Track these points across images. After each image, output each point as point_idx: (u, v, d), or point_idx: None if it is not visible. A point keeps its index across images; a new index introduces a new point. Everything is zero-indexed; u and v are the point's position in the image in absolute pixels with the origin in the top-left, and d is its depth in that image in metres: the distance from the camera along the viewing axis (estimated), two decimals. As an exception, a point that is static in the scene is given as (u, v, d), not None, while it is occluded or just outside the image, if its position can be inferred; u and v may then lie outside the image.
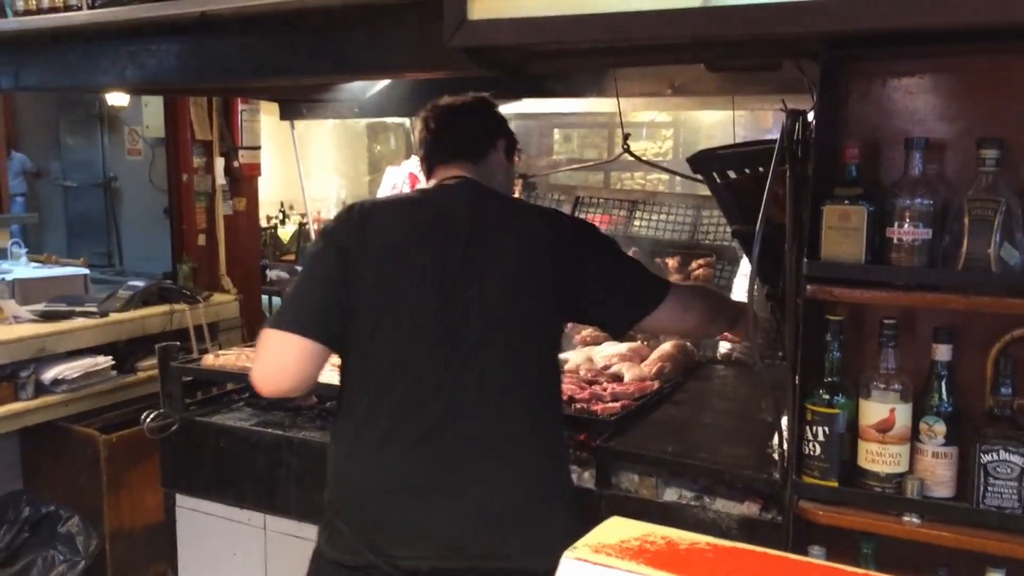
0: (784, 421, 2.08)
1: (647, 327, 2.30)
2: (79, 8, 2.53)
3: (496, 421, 1.97)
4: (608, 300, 2.11)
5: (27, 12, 2.70)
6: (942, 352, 1.88)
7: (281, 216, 9.17)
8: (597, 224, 3.74)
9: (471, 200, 2.09)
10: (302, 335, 1.94)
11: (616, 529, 0.85)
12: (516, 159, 2.37)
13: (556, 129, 7.22)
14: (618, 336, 2.86)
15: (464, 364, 1.95)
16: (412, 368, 1.95)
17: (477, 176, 2.17)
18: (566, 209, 3.85)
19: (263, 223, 8.21)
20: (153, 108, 8.42)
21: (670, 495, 2.36)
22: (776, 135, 2.00)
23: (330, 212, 9.49)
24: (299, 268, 7.43)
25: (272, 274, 6.97)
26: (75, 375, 3.84)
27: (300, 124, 4.63)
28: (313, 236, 5.87)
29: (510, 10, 1.86)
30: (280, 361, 1.97)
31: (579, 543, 0.84)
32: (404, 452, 1.96)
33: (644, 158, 3.80)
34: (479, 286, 1.96)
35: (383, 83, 3.82)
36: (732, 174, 2.40)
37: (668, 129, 7.87)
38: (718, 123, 4.91)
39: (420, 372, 1.95)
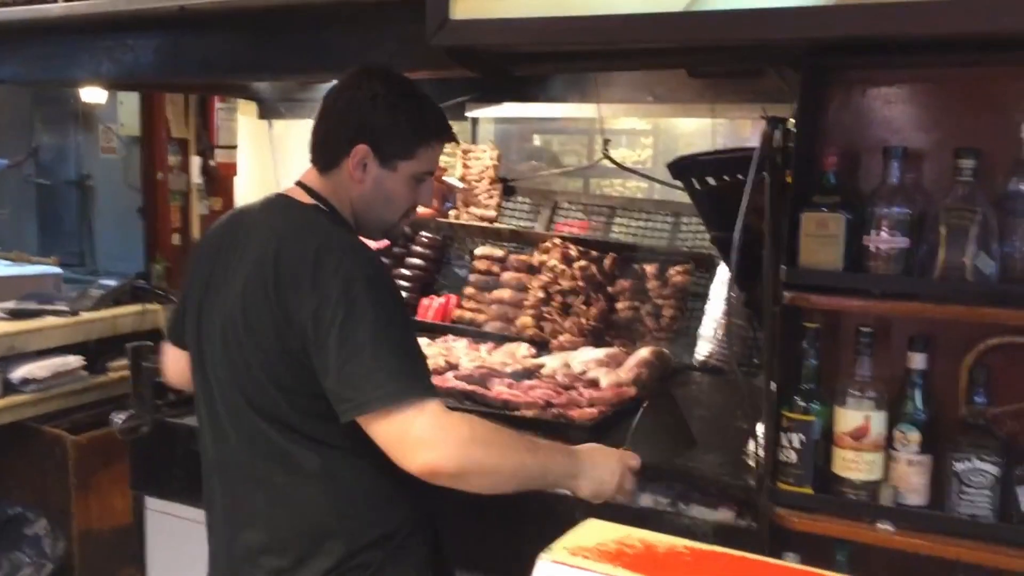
0: (760, 428, 2.08)
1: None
2: (55, 0, 2.50)
3: None
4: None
5: (1, 4, 2.66)
6: (917, 360, 1.89)
7: (257, 218, 9.12)
8: (575, 230, 3.75)
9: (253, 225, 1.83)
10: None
11: (593, 532, 0.84)
12: (414, 174, 1.84)
13: (536, 135, 7.21)
14: None
15: None
16: None
17: (323, 191, 1.84)
18: (544, 214, 3.85)
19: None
20: (129, 106, 8.33)
21: (645, 501, 2.35)
22: (755, 144, 2.00)
23: (307, 214, 9.43)
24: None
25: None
26: (45, 375, 3.77)
27: (278, 125, 4.60)
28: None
29: (492, 11, 1.85)
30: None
31: (555, 544, 0.82)
32: None
33: (621, 166, 3.80)
34: None
35: (363, 84, 3.80)
36: (711, 181, 2.41)
37: (647, 137, 7.89)
38: (697, 132, 4.93)
39: None
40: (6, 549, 3.61)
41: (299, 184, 1.86)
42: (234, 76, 2.79)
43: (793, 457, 1.96)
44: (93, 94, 6.03)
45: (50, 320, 3.92)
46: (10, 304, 3.96)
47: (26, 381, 3.71)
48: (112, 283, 4.38)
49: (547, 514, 2.38)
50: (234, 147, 5.26)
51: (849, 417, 1.91)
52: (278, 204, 1.84)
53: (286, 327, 1.66)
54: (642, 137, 7.85)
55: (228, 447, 1.87)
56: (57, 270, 4.86)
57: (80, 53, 2.72)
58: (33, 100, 10.64)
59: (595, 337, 3.31)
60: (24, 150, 10.74)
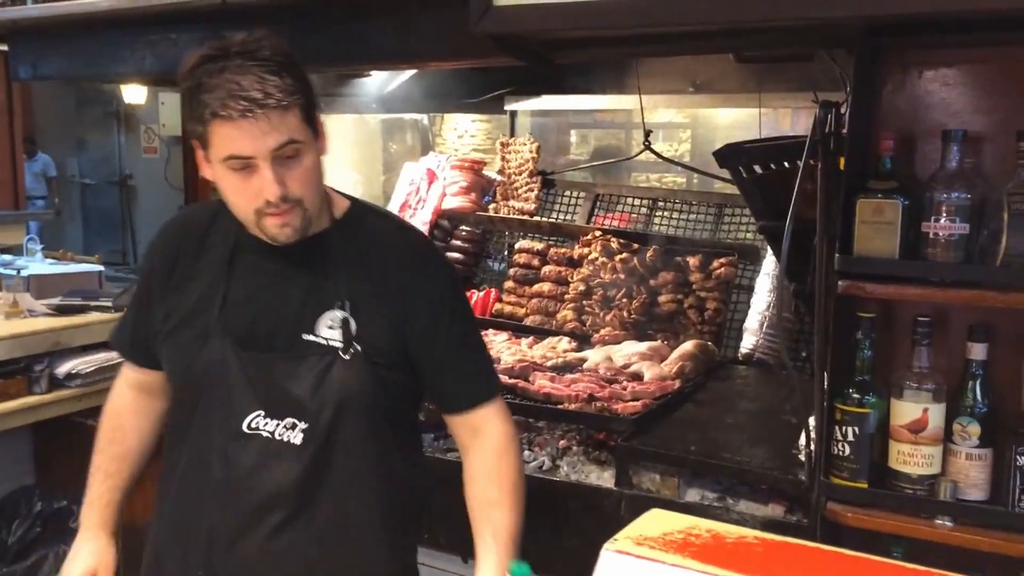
0: (811, 421, 2.03)
1: None
2: (99, -5, 2.51)
3: None
4: None
5: (46, -1, 2.68)
6: (977, 351, 1.83)
7: (297, 216, 9.18)
8: (616, 223, 3.71)
9: None
10: None
11: (657, 521, 0.81)
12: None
13: (573, 130, 7.17)
14: None
15: None
16: None
17: None
18: (584, 207, 3.81)
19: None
20: (170, 106, 8.44)
21: (692, 496, 2.31)
22: (797, 135, 1.95)
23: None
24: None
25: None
26: (89, 369, 3.81)
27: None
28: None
29: (537, -4, 1.82)
30: None
31: (619, 535, 0.79)
32: None
33: (663, 157, 3.75)
34: None
35: (402, 78, 3.79)
36: (758, 169, 2.36)
37: (685, 131, 7.82)
38: (736, 123, 4.85)
39: None
40: (52, 543, 3.64)
41: None
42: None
43: (847, 451, 1.91)
44: (135, 94, 6.11)
45: (94, 315, 3.96)
46: (55, 300, 4.01)
47: (71, 376, 3.75)
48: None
49: (589, 509, 2.35)
50: (273, 144, 5.29)
51: (906, 409, 1.85)
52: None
53: None
54: (680, 131, 7.77)
55: None
56: (100, 267, 4.91)
57: (123, 49, 2.74)
58: (76, 102, 10.86)
59: (637, 331, 3.26)
60: (69, 151, 10.93)
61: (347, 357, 1.61)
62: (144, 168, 10.57)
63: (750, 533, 0.80)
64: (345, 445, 1.64)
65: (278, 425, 1.62)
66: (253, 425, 1.63)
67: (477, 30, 1.89)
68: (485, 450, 1.73)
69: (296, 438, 1.61)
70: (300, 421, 1.61)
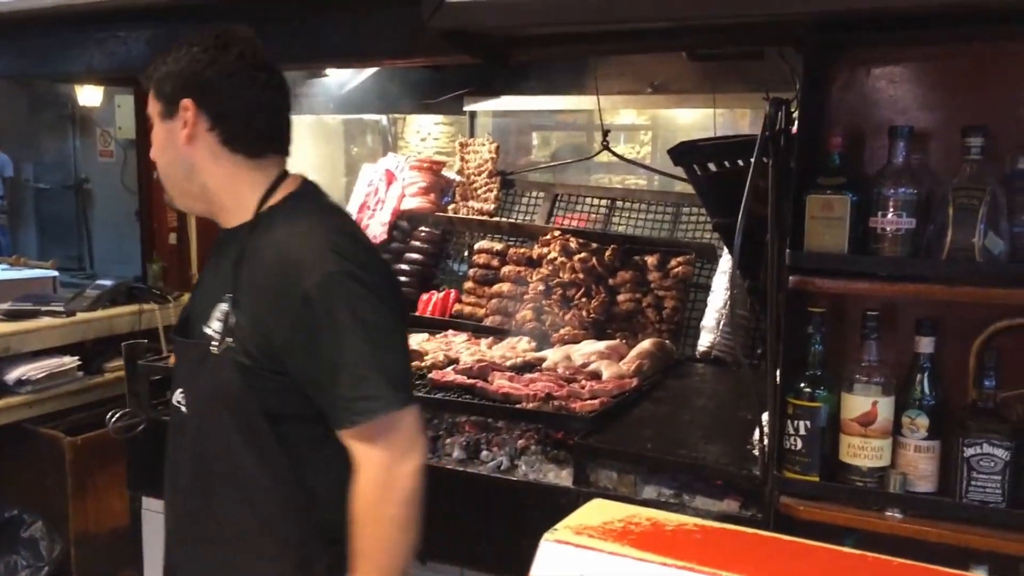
0: (765, 416, 2.04)
1: None
2: (46, -8, 2.46)
3: None
4: None
5: (-9, -3, 2.62)
6: (925, 344, 1.85)
7: (256, 218, 9.07)
8: (575, 223, 3.72)
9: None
10: None
11: (599, 511, 0.81)
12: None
13: (534, 132, 7.19)
14: None
15: None
16: None
17: None
18: (544, 207, 3.81)
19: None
20: (125, 109, 8.29)
21: (649, 493, 2.31)
22: (750, 134, 1.97)
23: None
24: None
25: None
26: (40, 375, 3.73)
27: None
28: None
29: (489, -9, 1.82)
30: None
31: (559, 525, 0.79)
32: None
33: (621, 157, 3.77)
34: None
35: (360, 78, 3.77)
36: (712, 167, 2.37)
37: (646, 133, 7.87)
38: (695, 125, 4.90)
39: None
40: (2, 552, 3.56)
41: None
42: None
43: (799, 444, 1.93)
44: (90, 97, 6.01)
45: (46, 320, 3.88)
46: (5, 305, 3.92)
47: (21, 382, 3.67)
48: (108, 283, 4.34)
49: (547, 507, 2.35)
50: (231, 145, 5.23)
51: (856, 403, 1.87)
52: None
53: None
54: (640, 133, 7.83)
55: None
56: (53, 273, 4.83)
57: (72, 46, 2.69)
58: (30, 105, 10.64)
59: (596, 330, 3.27)
60: (23, 156, 10.72)
61: (216, 351, 1.61)
62: (100, 172, 10.39)
63: (690, 520, 0.80)
64: (216, 440, 1.65)
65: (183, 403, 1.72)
66: (177, 400, 1.72)
67: (429, 26, 1.88)
68: (355, 492, 1.60)
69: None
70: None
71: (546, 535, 0.78)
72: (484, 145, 3.87)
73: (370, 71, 3.69)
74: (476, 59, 2.09)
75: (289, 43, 2.38)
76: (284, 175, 1.71)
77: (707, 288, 3.24)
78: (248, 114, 1.65)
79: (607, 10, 1.74)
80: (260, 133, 1.68)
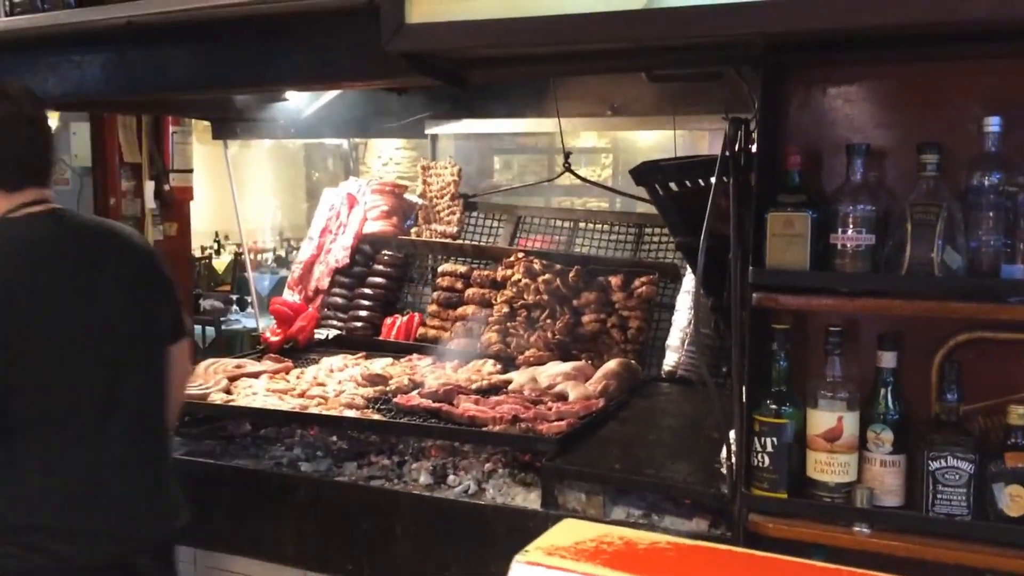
0: (732, 434, 2.05)
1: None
2: (-5, 15, 2.42)
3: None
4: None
5: (-61, 20, 2.56)
6: (887, 359, 1.87)
7: (216, 246, 8.96)
8: (539, 246, 3.72)
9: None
10: None
11: (569, 531, 0.79)
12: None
13: (496, 156, 7.21)
14: None
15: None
16: None
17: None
18: (507, 229, 3.81)
19: (197, 253, 7.99)
20: (81, 137, 8.15)
21: (618, 513, 2.30)
22: (710, 154, 1.99)
23: (266, 241, 9.32)
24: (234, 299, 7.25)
25: (206, 303, 6.79)
26: None
27: (233, 147, 4.51)
28: (249, 266, 5.71)
29: (448, 13, 1.82)
30: None
31: (530, 546, 0.77)
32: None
33: (582, 178, 3.78)
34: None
35: (320, 102, 3.75)
36: (674, 187, 2.38)
37: (607, 156, 7.94)
38: (656, 147, 4.95)
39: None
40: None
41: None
42: (185, 91, 2.71)
43: (766, 461, 1.93)
44: (43, 122, 5.91)
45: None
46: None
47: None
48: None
49: (516, 531, 2.32)
50: (190, 171, 5.16)
51: (821, 418, 1.88)
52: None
53: None
54: (601, 155, 7.90)
55: None
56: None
57: (23, 71, 2.63)
58: (-18, 131, 10.42)
59: (561, 351, 3.26)
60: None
61: None
62: (55, 200, 10.22)
63: (662, 538, 0.79)
64: None
65: None
66: None
67: (389, 49, 1.87)
68: None
69: None
70: None
71: (517, 557, 0.76)
72: (447, 168, 3.87)
73: (330, 95, 3.66)
74: (436, 81, 2.09)
75: (247, 66, 2.35)
76: (40, 201, 1.98)
77: (671, 308, 3.26)
78: (9, 158, 1.95)
79: (559, 32, 1.75)
80: (20, 171, 1.96)
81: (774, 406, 1.92)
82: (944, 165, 1.78)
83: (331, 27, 2.21)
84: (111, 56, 2.52)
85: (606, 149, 7.76)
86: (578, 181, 3.76)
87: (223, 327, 6.61)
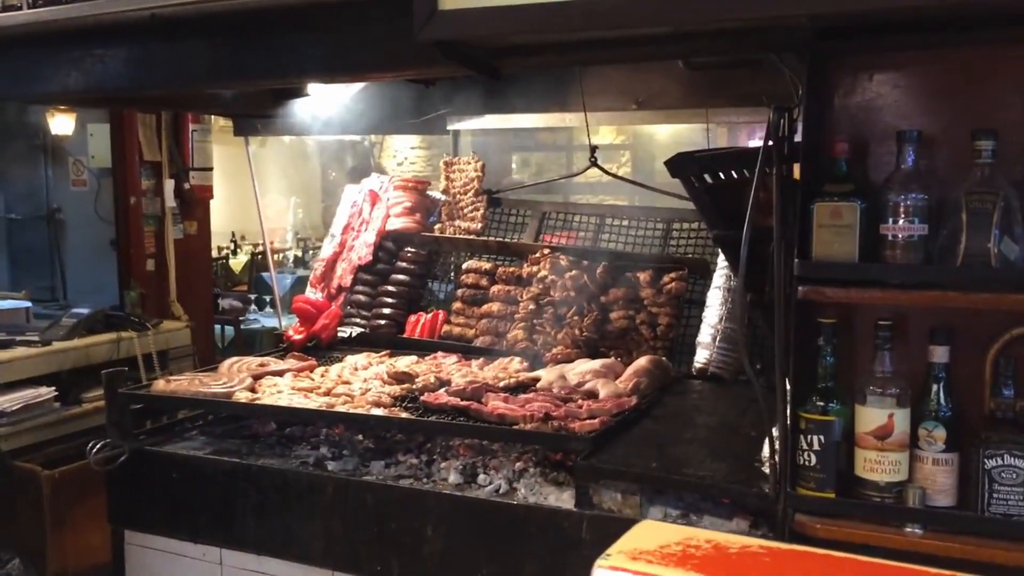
0: (775, 432, 1.99)
1: None
2: (19, 8, 2.38)
3: None
4: None
5: (-39, 14, 2.53)
6: (939, 354, 1.81)
7: (232, 246, 8.94)
8: (564, 242, 3.66)
9: None
10: None
11: (650, 533, 0.74)
12: None
13: (515, 153, 7.17)
14: None
15: None
16: None
17: None
18: (532, 225, 3.75)
19: (213, 254, 7.97)
20: (98, 137, 8.17)
21: (655, 513, 2.24)
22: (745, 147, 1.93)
23: (284, 241, 9.30)
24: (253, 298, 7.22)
25: (224, 303, 6.77)
26: (15, 407, 3.62)
27: (252, 146, 4.47)
28: (271, 264, 5.67)
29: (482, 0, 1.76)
30: None
31: (611, 550, 0.72)
32: None
33: (610, 173, 3.72)
34: None
35: (341, 99, 3.70)
36: (708, 179, 2.33)
37: (624, 153, 7.87)
38: (676, 143, 4.88)
39: None
40: (-20, 592, 3.43)
41: None
42: (209, 84, 2.67)
43: (813, 460, 1.87)
44: (62, 125, 5.90)
45: (20, 351, 3.77)
46: (-24, 336, 3.81)
47: (-5, 414, 3.55)
48: (84, 312, 4.24)
49: (549, 531, 2.27)
50: (209, 169, 5.14)
51: (871, 415, 1.82)
52: None
53: None
54: (619, 153, 7.83)
55: None
56: (27, 303, 4.70)
57: (46, 66, 2.61)
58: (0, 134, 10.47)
59: (589, 348, 3.20)
60: (-9, 185, 10.53)
61: None
62: (73, 201, 10.21)
63: (754, 542, 0.74)
64: None
65: None
66: None
67: (421, 37, 1.82)
68: None
69: None
70: None
71: (599, 561, 0.71)
72: (470, 164, 3.81)
73: (351, 91, 3.62)
74: (468, 71, 2.03)
75: (272, 58, 2.31)
76: None
77: (701, 304, 3.19)
78: None
79: (600, 16, 1.70)
80: None
81: (821, 403, 1.86)
82: (999, 152, 1.71)
83: (357, 17, 2.17)
84: (134, 50, 2.49)
85: (623, 146, 7.70)
86: (600, 179, 3.71)
87: (242, 326, 6.60)
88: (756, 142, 3.15)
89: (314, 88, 3.46)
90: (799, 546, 0.75)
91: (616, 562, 0.70)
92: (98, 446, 2.79)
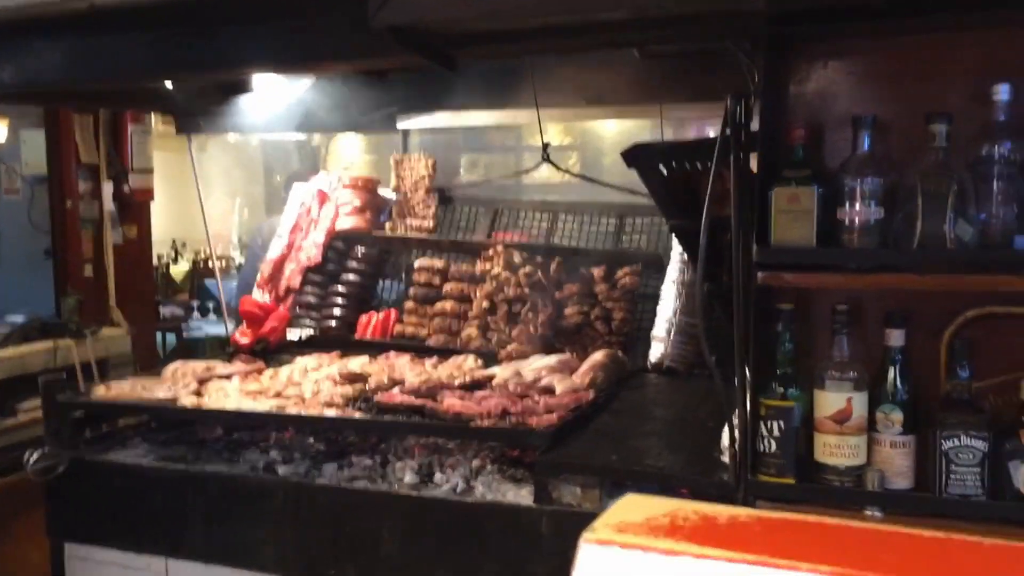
0: (735, 420, 1.98)
1: None
2: (-52, -2, 2.27)
3: None
4: None
5: None
6: (895, 337, 1.82)
7: (173, 254, 8.72)
8: (516, 239, 3.64)
9: None
10: None
11: (636, 506, 0.71)
12: None
13: (463, 155, 7.12)
14: None
15: None
16: None
17: None
18: (484, 223, 3.72)
19: (153, 262, 7.75)
20: (32, 144, 7.93)
21: (616, 507, 2.22)
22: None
23: (226, 248, 9.11)
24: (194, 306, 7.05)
25: (166, 311, 6.60)
26: (-56, 419, 3.46)
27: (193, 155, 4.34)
28: (217, 270, 5.53)
29: (439, -16, 1.73)
30: None
31: (596, 523, 0.69)
32: None
33: (563, 169, 3.71)
34: None
35: (289, 96, 3.63)
36: (664, 170, 2.32)
37: (571, 154, 7.88)
38: (623, 143, 4.89)
39: None
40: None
41: None
42: (152, 76, 2.58)
43: (773, 446, 1.87)
44: (-8, 132, 5.69)
45: (-53, 361, 3.62)
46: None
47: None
48: (19, 320, 4.08)
49: (508, 529, 2.24)
50: (150, 171, 5.00)
51: (830, 400, 1.83)
52: None
53: None
54: (566, 154, 7.83)
55: None
56: (-46, 316, 4.51)
57: (-22, 59, 2.49)
58: (-75, 141, 10.08)
59: (544, 345, 3.18)
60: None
61: None
62: (5, 211, 9.90)
63: (742, 511, 0.72)
64: None
65: None
66: None
67: (376, 22, 1.78)
68: None
69: None
70: None
71: (584, 535, 0.68)
72: (420, 161, 3.77)
73: (299, 88, 3.55)
74: (423, 60, 1.99)
75: (220, 49, 2.24)
76: None
77: (654, 298, 3.19)
78: None
79: (559, 1, 1.68)
80: None
81: (780, 389, 1.86)
82: (952, 136, 1.73)
83: (308, 5, 2.11)
84: (73, 43, 2.39)
85: (572, 147, 7.71)
86: (549, 179, 3.68)
87: (185, 334, 6.44)
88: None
89: (260, 84, 3.39)
90: (790, 514, 0.73)
91: (603, 535, 0.67)
92: (35, 456, 2.68)
